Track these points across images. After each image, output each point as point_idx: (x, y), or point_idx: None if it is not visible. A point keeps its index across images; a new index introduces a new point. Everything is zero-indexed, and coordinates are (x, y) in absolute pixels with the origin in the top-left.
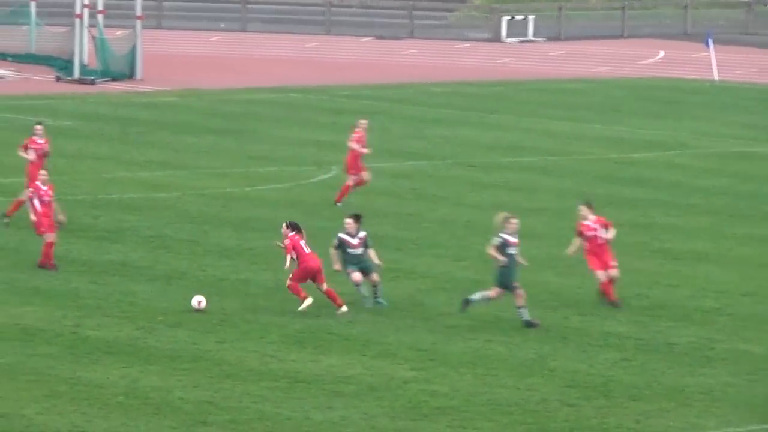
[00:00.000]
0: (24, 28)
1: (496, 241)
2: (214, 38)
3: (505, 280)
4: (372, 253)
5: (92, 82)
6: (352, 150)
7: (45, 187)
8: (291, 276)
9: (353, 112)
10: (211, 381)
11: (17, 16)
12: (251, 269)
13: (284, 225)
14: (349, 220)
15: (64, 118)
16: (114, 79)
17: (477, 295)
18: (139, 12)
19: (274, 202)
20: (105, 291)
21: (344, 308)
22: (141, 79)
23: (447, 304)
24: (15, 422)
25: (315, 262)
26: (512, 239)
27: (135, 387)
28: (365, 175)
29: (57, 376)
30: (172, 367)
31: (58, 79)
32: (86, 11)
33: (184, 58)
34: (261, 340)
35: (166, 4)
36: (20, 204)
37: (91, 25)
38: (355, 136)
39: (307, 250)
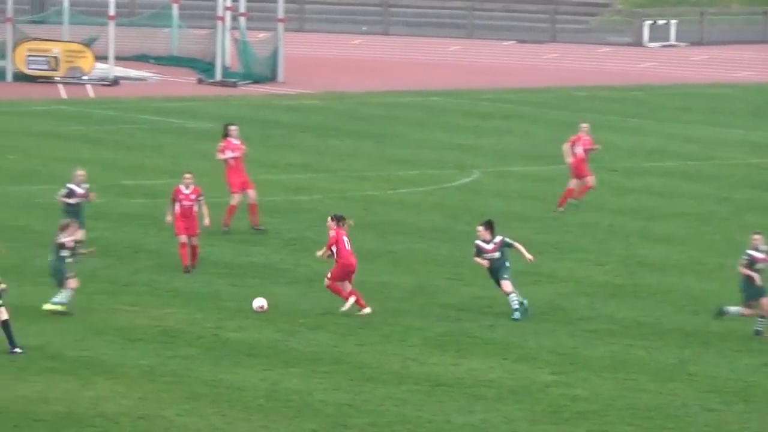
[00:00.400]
0: (166, 30)
1: (744, 259)
2: (355, 41)
3: (750, 294)
4: (520, 247)
5: (234, 85)
6: (576, 155)
7: (187, 191)
8: (330, 275)
9: (495, 116)
10: (351, 384)
11: (160, 18)
12: (392, 272)
13: (330, 218)
14: (480, 228)
15: (205, 120)
16: (256, 82)
17: (733, 309)
18: (281, 15)
19: (415, 206)
20: (246, 293)
21: (367, 310)
22: (282, 82)
23: (587, 308)
24: (155, 423)
25: (353, 260)
26: (759, 255)
27: (275, 389)
28: (590, 179)
29: (197, 378)
30: (313, 369)
31: (200, 81)
32: (228, 14)
33: (326, 61)
34: (402, 343)
35: (308, 6)
36: (233, 210)
37: (234, 28)
38: (572, 138)
39: (348, 247)
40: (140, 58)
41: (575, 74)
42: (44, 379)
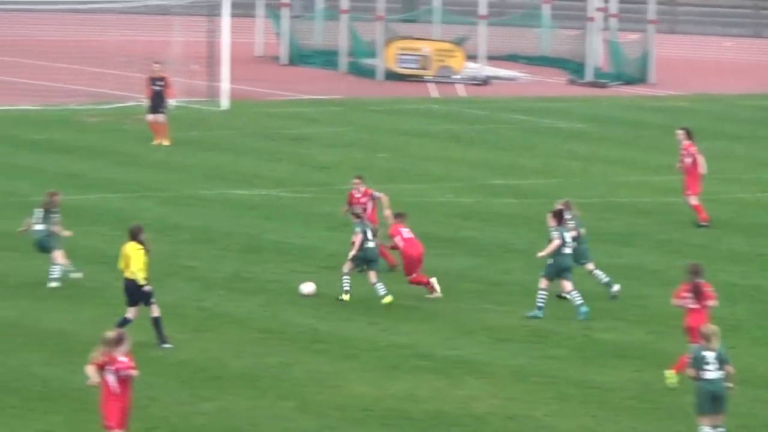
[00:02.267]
0: (537, 30)
1: None
2: (727, 43)
3: None
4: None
5: (604, 86)
6: None
7: (358, 195)
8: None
9: None
10: None
11: (530, 18)
12: (762, 275)
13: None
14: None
15: (575, 120)
16: (626, 83)
17: None
18: (652, 16)
19: None
20: None
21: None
22: (653, 83)
23: None
24: (524, 424)
25: (412, 251)
26: None
27: (646, 391)
28: None
29: (566, 379)
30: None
31: (570, 81)
32: (599, 14)
33: (697, 63)
34: None
35: (680, 8)
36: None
37: (604, 29)
38: None
39: (407, 236)
40: (510, 58)
41: None
42: (414, 377)
